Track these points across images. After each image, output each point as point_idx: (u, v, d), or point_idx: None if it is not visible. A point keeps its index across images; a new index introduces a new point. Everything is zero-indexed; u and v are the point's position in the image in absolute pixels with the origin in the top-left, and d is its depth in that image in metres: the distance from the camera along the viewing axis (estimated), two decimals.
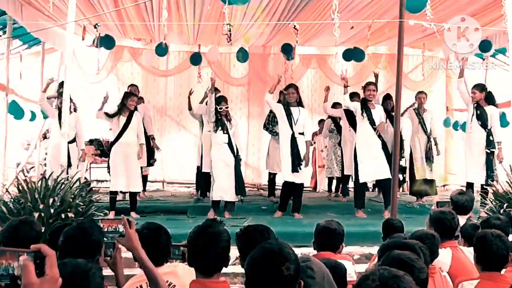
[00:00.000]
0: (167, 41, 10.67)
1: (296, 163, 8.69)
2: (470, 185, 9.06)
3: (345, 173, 10.33)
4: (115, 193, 8.80)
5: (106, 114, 8.71)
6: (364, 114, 8.90)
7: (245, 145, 12.96)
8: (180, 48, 12.87)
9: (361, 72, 13.05)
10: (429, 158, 10.10)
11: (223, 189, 8.68)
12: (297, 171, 8.72)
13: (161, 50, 11.10)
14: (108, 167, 9.01)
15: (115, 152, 8.71)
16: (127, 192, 9.15)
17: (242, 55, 11.65)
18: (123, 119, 8.68)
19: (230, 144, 8.74)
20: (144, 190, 10.60)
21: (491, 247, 3.68)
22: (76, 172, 7.75)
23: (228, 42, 8.94)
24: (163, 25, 7.80)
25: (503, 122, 10.00)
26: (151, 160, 10.38)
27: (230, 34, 8.64)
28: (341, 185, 11.09)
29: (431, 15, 7.39)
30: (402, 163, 10.49)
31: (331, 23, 7.74)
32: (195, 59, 12.16)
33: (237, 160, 8.83)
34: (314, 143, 11.88)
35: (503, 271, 3.77)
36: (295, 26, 9.34)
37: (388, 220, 5.34)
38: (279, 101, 9.27)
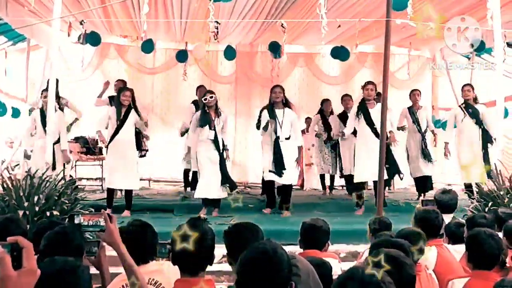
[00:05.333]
0: (153, 38, 10.65)
1: (279, 168, 8.64)
2: (469, 186, 9.03)
3: (344, 173, 10.37)
4: (112, 190, 8.74)
5: (110, 100, 8.53)
6: (361, 115, 8.86)
7: (232, 143, 12.96)
8: (167, 46, 12.83)
9: (347, 71, 13.09)
10: (426, 155, 10.14)
11: (207, 187, 8.56)
12: (280, 176, 8.68)
13: (147, 47, 11.06)
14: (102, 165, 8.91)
15: (112, 149, 8.59)
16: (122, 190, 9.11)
17: (229, 53, 11.65)
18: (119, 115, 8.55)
19: (215, 140, 8.58)
20: None
21: (484, 246, 3.69)
22: (60, 171, 7.70)
23: (215, 39, 8.93)
24: (144, 20, 7.76)
25: None
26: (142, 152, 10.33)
27: (217, 31, 8.63)
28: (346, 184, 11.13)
29: (412, 13, 7.43)
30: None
31: (319, 21, 7.75)
32: (181, 56, 12.14)
33: (222, 157, 8.64)
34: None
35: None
36: (282, 24, 9.34)
37: (378, 218, 5.35)
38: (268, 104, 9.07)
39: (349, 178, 10.32)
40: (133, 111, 8.59)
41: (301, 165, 12.20)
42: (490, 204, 6.96)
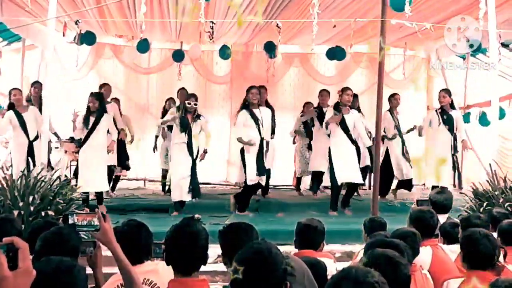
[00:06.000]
0: (149, 38, 10.63)
1: (261, 167, 8.67)
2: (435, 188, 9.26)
3: (312, 169, 10.30)
4: (87, 192, 8.76)
5: (84, 122, 8.60)
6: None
7: (227, 144, 12.96)
8: (162, 46, 12.81)
9: (343, 71, 13.09)
10: (407, 159, 10.17)
11: (180, 189, 8.67)
12: (263, 175, 8.73)
13: (143, 46, 11.05)
14: (76, 168, 8.96)
15: (83, 154, 8.63)
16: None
17: (225, 53, 11.64)
18: (92, 120, 8.60)
19: (189, 144, 8.64)
20: (113, 189, 10.55)
21: (479, 246, 3.69)
22: (55, 171, 7.68)
23: (211, 39, 8.92)
24: (141, 19, 7.73)
25: (484, 122, 10.12)
26: (126, 162, 10.41)
27: (212, 31, 8.61)
28: (313, 183, 11.13)
29: (410, 12, 7.44)
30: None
31: (313, 22, 7.76)
32: (177, 56, 12.14)
33: (194, 162, 8.71)
34: (296, 142, 11.90)
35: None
36: (277, 24, 9.34)
37: (373, 218, 5.36)
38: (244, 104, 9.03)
39: (316, 175, 10.34)
40: (105, 116, 8.68)
41: (295, 166, 12.20)
42: (485, 204, 6.99)
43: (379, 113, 7.40)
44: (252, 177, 8.67)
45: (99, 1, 9.05)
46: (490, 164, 7.64)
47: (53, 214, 6.41)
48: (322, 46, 11.74)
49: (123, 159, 10.20)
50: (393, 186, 10.52)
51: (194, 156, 8.70)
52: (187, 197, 8.72)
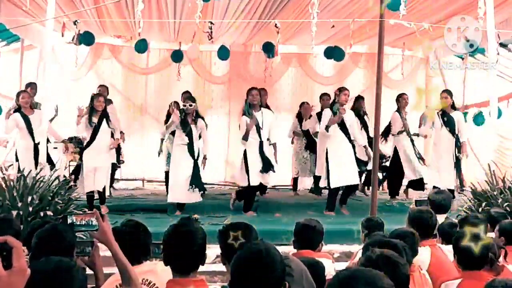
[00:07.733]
0: (147, 38, 10.61)
1: (267, 167, 8.73)
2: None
3: (316, 173, 10.35)
4: (91, 192, 8.78)
5: (88, 120, 8.64)
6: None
7: (225, 143, 12.97)
8: (160, 46, 12.80)
9: (341, 71, 13.09)
10: (420, 158, 10.12)
11: (177, 191, 8.75)
12: (270, 171, 8.77)
13: (141, 47, 11.04)
14: (77, 168, 9.01)
15: (87, 155, 8.70)
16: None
17: (223, 53, 11.65)
18: (94, 121, 8.65)
19: (190, 146, 8.70)
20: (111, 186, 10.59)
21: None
22: (54, 171, 7.68)
23: (209, 40, 8.92)
24: (139, 16, 7.70)
25: (478, 121, 10.13)
26: (119, 159, 10.46)
27: (211, 31, 8.61)
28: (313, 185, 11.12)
29: (404, 11, 7.44)
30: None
31: (312, 21, 7.76)
32: (176, 56, 12.13)
33: (196, 163, 8.76)
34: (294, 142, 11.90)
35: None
36: (276, 24, 9.33)
37: (371, 218, 5.37)
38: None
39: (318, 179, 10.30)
40: (106, 117, 8.76)
41: (292, 166, 12.19)
42: (483, 204, 6.99)
43: (378, 113, 7.40)
44: (254, 180, 8.71)
45: (97, 1, 9.05)
46: (488, 164, 7.65)
47: (51, 214, 6.40)
48: (321, 46, 11.73)
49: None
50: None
51: (196, 157, 8.75)
52: (189, 199, 8.75)
